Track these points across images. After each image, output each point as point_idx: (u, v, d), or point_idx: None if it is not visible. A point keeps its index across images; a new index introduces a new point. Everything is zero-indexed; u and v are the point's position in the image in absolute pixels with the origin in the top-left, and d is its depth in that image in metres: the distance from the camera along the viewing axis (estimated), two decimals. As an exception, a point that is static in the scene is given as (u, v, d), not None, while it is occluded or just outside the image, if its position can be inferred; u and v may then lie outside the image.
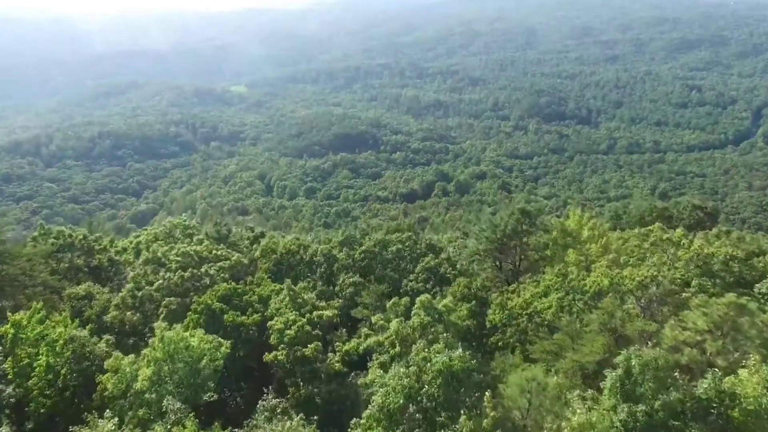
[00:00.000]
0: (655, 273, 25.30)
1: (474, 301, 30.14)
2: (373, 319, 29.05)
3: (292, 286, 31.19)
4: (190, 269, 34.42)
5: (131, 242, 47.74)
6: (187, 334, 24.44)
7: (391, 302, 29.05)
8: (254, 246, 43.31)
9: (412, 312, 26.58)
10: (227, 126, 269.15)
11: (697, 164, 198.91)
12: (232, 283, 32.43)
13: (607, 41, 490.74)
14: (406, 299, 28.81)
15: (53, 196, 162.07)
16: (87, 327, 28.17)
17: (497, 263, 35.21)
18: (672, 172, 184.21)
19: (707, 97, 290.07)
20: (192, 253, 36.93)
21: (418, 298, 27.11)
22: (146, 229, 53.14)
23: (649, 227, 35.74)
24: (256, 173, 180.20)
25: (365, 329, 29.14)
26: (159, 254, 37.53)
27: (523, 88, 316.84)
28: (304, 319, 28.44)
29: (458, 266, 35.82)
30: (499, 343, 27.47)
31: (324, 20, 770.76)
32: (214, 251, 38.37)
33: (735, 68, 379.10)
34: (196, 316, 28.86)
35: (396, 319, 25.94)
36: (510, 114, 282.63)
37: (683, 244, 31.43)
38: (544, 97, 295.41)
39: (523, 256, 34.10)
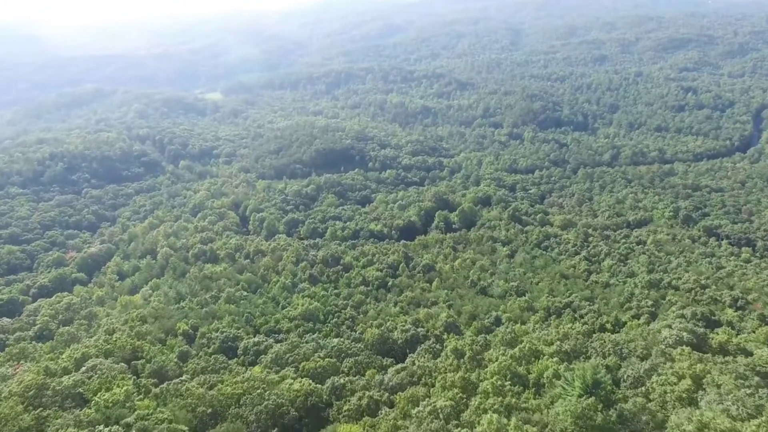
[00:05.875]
0: None
1: None
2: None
3: None
4: None
5: None
6: None
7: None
8: None
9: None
10: (199, 141, 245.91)
11: (710, 176, 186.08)
12: None
13: (594, 41, 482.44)
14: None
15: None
16: None
17: None
18: (687, 187, 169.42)
19: (704, 100, 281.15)
20: None
21: None
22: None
23: None
24: (230, 201, 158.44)
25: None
26: None
27: (514, 92, 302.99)
28: None
29: None
30: None
31: (302, 22, 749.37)
32: None
33: (724, 68, 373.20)
34: None
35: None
36: (503, 121, 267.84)
37: None
38: (537, 102, 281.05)
39: None
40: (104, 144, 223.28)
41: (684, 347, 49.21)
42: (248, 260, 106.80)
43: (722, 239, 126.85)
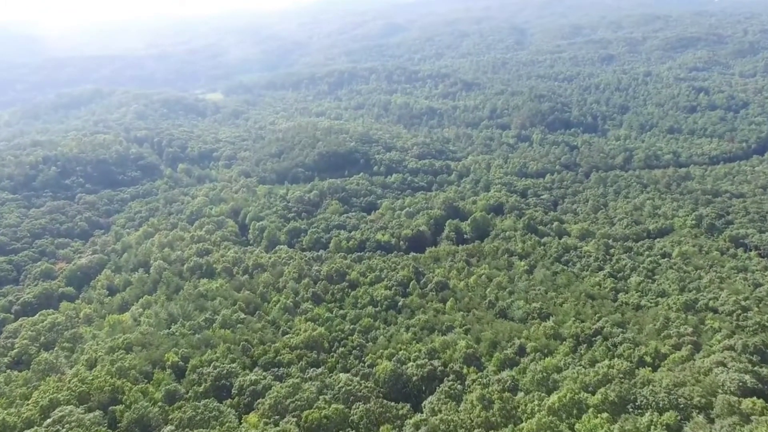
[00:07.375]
0: None
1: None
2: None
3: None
4: None
5: None
6: None
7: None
8: None
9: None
10: (198, 143, 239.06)
11: (729, 180, 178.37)
12: None
13: (600, 40, 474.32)
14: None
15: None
16: None
17: None
18: (706, 193, 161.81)
19: (716, 100, 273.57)
20: None
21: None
22: None
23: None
24: (229, 207, 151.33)
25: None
26: None
27: (522, 93, 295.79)
28: None
29: None
30: None
31: (301, 22, 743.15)
32: None
33: (735, 68, 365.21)
34: None
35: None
36: (510, 122, 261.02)
37: None
38: (545, 102, 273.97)
39: None
40: (100, 147, 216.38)
41: (754, 399, 41.95)
42: (247, 275, 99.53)
43: (750, 250, 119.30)
